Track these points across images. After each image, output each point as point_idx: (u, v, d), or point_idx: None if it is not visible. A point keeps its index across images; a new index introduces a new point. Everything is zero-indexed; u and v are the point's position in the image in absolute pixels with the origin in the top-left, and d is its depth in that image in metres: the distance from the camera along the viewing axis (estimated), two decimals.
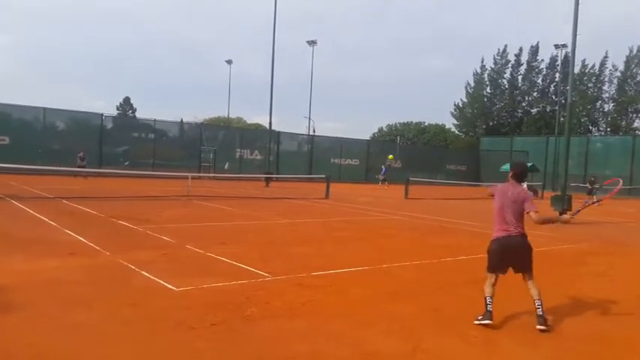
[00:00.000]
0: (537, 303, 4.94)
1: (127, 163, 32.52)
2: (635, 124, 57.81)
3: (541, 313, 4.90)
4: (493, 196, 5.29)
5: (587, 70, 58.37)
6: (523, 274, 5.13)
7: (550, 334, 4.77)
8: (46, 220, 10.64)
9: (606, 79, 58.92)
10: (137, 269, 6.49)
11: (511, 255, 5.09)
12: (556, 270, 8.15)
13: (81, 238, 8.56)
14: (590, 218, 18.06)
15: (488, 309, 4.96)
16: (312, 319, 4.91)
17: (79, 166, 26.38)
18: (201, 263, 7.18)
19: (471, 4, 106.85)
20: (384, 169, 37.81)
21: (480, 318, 4.96)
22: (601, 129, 60.36)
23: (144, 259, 7.08)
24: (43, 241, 8.35)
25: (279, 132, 40.62)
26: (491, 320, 4.90)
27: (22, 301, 4.94)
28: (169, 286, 5.72)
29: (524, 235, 5.11)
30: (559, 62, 55.92)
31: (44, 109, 31.49)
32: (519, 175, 5.40)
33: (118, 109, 72.37)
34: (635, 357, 4.50)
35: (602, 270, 8.41)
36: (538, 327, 4.84)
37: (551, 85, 61.24)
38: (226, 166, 38.45)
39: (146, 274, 6.27)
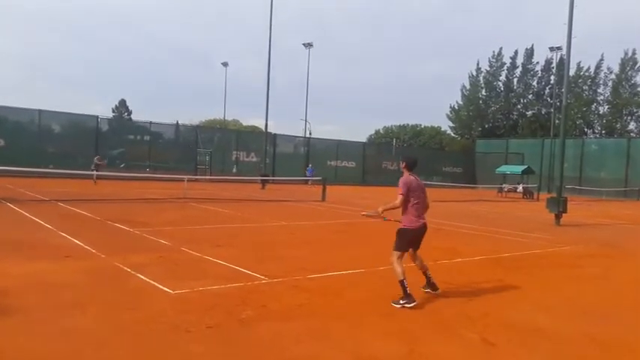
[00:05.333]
0: (429, 272, 6.02)
1: (122, 166, 32.45)
2: (630, 127, 58.14)
3: (431, 281, 6.00)
4: (406, 190, 5.76)
5: (582, 73, 58.63)
6: (416, 250, 6.01)
7: (547, 337, 4.77)
8: (42, 222, 10.59)
9: (601, 82, 59.25)
10: (133, 272, 6.46)
11: (420, 238, 5.96)
12: (553, 272, 8.17)
13: (76, 241, 8.53)
14: (587, 220, 18.13)
15: (408, 291, 5.48)
16: (308, 321, 4.90)
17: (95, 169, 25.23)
18: (197, 266, 7.16)
19: (469, 9, 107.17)
20: (310, 170, 36.28)
21: (403, 302, 5.44)
22: (596, 131, 60.65)
23: (140, 262, 7.05)
24: (39, 244, 8.31)
25: (275, 134, 40.64)
26: (416, 301, 5.47)
27: (17, 305, 4.91)
28: (165, 289, 5.70)
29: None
30: (554, 65, 56.14)
31: (39, 111, 31.37)
32: (415, 165, 6.02)
33: (113, 111, 72.16)
34: (631, 359, 4.51)
35: (599, 272, 8.44)
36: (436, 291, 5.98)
37: (547, 88, 61.51)
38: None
39: (142, 276, 6.24)
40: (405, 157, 6.13)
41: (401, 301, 5.45)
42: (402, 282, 5.50)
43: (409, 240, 5.82)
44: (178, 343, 4.12)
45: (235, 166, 39.03)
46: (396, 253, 5.72)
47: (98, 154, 27.48)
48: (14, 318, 4.56)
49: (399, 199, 5.75)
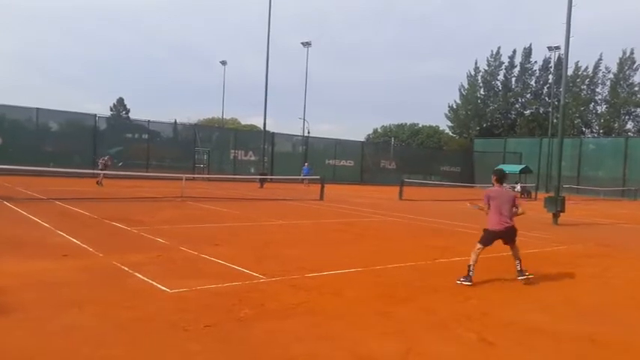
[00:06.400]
0: (517, 262, 6.97)
1: (120, 164, 32.39)
2: (628, 126, 58.23)
3: (520, 269, 6.92)
4: (487, 200, 6.99)
5: (580, 72, 58.70)
6: (511, 245, 7.05)
7: (545, 336, 4.78)
8: (39, 221, 10.57)
9: (599, 81, 59.31)
10: (131, 271, 6.45)
11: (504, 237, 6.95)
12: (550, 271, 8.17)
13: (74, 240, 8.51)
14: (585, 220, 18.15)
15: (470, 274, 6.64)
16: (306, 320, 4.89)
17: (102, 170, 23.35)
18: (195, 265, 7.15)
19: (467, 8, 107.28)
20: (306, 170, 34.96)
21: (462, 279, 6.62)
22: (594, 131, 60.71)
23: (137, 261, 7.04)
24: (36, 242, 8.29)
25: (273, 133, 40.58)
26: (472, 283, 6.58)
27: (14, 304, 4.89)
28: (163, 288, 5.69)
29: (514, 224, 6.97)
30: (552, 64, 56.18)
31: (37, 109, 31.29)
32: (503, 178, 7.25)
33: (111, 109, 72.10)
34: (629, 359, 4.52)
35: (597, 271, 8.45)
36: (519, 278, 6.87)
37: (545, 87, 61.55)
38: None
39: (140, 275, 6.23)
40: (495, 171, 7.41)
41: (462, 279, 6.65)
42: (469, 266, 6.70)
43: (491, 238, 6.96)
44: (176, 341, 4.11)
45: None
46: (478, 244, 6.89)
47: (109, 155, 26.03)
48: (12, 316, 4.54)
49: (485, 207, 7.05)
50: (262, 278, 6.43)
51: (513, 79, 63.05)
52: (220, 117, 72.87)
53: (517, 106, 63.53)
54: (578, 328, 5.14)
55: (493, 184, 7.19)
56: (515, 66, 62.65)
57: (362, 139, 70.07)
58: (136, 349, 3.96)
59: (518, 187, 34.81)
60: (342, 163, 44.41)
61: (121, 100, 73.80)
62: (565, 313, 5.72)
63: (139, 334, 4.28)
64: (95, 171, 24.13)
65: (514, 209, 7.00)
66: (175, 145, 39.31)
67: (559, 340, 4.70)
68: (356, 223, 13.97)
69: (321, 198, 21.19)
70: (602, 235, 13.82)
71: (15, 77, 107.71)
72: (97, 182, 23.37)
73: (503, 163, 42.75)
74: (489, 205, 6.95)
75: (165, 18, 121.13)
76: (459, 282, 6.61)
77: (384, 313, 5.26)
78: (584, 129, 60.40)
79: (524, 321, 5.20)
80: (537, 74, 62.45)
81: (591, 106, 60.26)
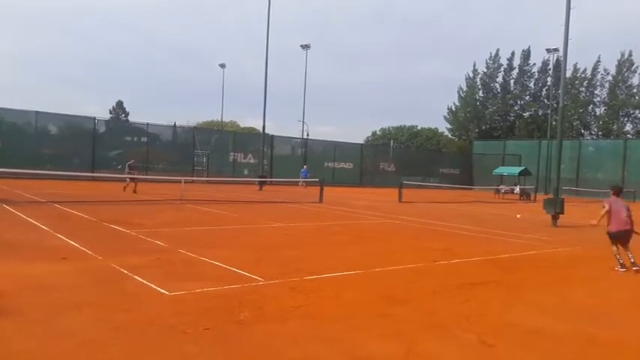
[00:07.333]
0: (632, 258, 8.41)
1: (119, 167, 32.38)
2: (627, 128, 58.21)
3: (633, 261, 8.35)
4: (609, 206, 8.69)
5: (579, 74, 58.72)
6: (624, 244, 8.56)
7: (544, 337, 4.78)
8: (38, 224, 10.56)
9: (598, 83, 59.32)
10: (130, 274, 6.44)
11: (623, 236, 8.52)
12: (549, 273, 8.19)
13: (73, 243, 8.50)
14: (584, 222, 18.15)
15: (620, 261, 8.38)
16: (305, 323, 4.89)
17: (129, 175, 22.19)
18: (194, 267, 7.15)
19: (466, 10, 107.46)
20: (304, 172, 35.33)
21: (617, 267, 8.33)
22: (593, 133, 60.74)
23: (136, 264, 7.04)
24: (35, 245, 8.29)
25: (272, 135, 40.57)
26: (625, 268, 8.30)
27: (13, 307, 4.89)
28: (162, 291, 5.69)
29: (632, 228, 8.56)
30: (551, 66, 56.26)
31: (36, 112, 31.29)
32: (620, 192, 9.17)
33: (110, 112, 72.06)
34: (626, 359, 4.52)
35: (595, 273, 8.45)
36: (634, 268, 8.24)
37: (543, 89, 61.58)
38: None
39: (139, 278, 6.23)
40: (613, 186, 9.35)
41: (617, 267, 8.34)
42: (615, 255, 8.49)
43: (612, 238, 8.61)
44: (175, 344, 4.11)
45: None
46: (612, 246, 8.66)
47: (133, 158, 24.54)
48: (10, 319, 4.54)
49: (603, 210, 8.76)
50: (261, 281, 6.43)
51: (512, 82, 63.10)
52: (219, 119, 72.88)
53: (516, 108, 63.55)
54: (578, 329, 5.15)
55: (611, 196, 8.95)
56: (514, 68, 62.70)
57: (361, 141, 69.93)
58: (134, 352, 3.96)
59: (517, 189, 34.84)
60: (341, 166, 44.39)
61: (120, 103, 73.79)
62: (564, 314, 5.72)
63: (137, 337, 4.27)
64: (125, 176, 22.33)
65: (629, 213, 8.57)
66: (174, 148, 39.29)
67: (558, 342, 4.70)
68: (355, 225, 13.97)
69: (321, 200, 21.19)
70: (601, 237, 13.78)
71: (15, 77, 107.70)
72: (125, 188, 21.49)
73: (503, 165, 42.84)
74: (611, 211, 8.64)
75: (165, 19, 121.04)
76: (617, 267, 8.33)
77: (383, 314, 5.26)
78: (582, 131, 60.42)
79: (523, 322, 5.21)
80: (536, 76, 62.51)
81: (590, 108, 60.27)
